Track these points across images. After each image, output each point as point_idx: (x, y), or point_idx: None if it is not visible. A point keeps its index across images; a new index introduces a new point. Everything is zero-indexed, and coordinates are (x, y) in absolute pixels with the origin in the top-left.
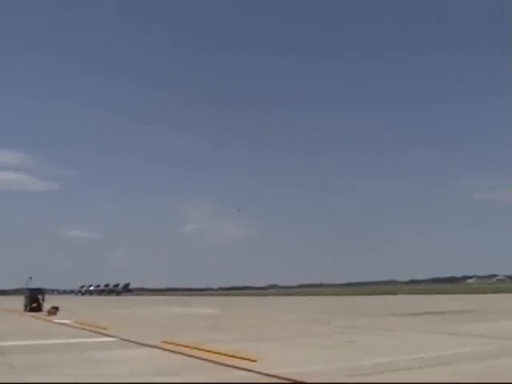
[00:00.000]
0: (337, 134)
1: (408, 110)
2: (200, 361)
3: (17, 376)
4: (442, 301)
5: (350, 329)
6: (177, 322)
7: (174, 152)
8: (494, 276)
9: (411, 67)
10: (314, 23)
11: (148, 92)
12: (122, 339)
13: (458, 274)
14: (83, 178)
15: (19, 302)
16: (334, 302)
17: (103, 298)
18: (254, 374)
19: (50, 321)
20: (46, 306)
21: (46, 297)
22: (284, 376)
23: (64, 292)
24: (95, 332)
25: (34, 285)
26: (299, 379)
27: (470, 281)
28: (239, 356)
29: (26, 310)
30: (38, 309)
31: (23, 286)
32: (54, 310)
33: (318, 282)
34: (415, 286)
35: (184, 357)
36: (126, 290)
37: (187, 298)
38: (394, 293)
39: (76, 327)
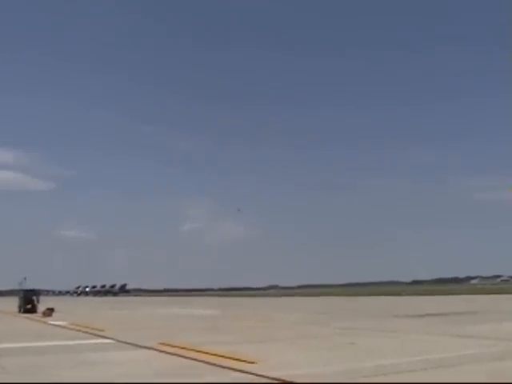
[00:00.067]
0: (337, 131)
1: (408, 107)
2: (197, 363)
3: (10, 378)
4: (446, 302)
5: (351, 330)
6: (175, 324)
7: (173, 151)
8: (498, 276)
9: (411, 64)
10: (313, 19)
11: (147, 91)
12: (118, 341)
13: (462, 275)
14: (81, 178)
15: (13, 303)
16: (334, 303)
17: (99, 298)
18: (252, 376)
19: (44, 322)
20: (41, 307)
21: (41, 298)
22: (283, 378)
23: (59, 293)
24: (91, 334)
25: (29, 285)
26: (297, 381)
27: (473, 281)
28: (238, 358)
29: (20, 311)
30: (33, 310)
31: (17, 286)
32: (49, 312)
33: (318, 282)
34: (418, 287)
35: (181, 359)
36: (123, 290)
37: (186, 298)
38: (397, 294)
39: (72, 329)
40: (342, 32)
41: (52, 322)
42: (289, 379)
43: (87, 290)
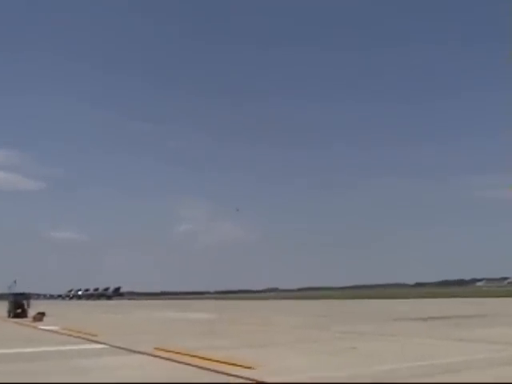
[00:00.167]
0: (337, 128)
1: (408, 104)
2: (194, 368)
3: None
4: (451, 305)
5: (351, 334)
6: (170, 328)
7: (169, 149)
8: (506, 279)
9: (412, 61)
10: (312, 14)
11: (141, 87)
12: (112, 346)
13: (467, 277)
14: (74, 178)
15: (2, 307)
16: (335, 306)
17: (92, 302)
18: (249, 382)
19: (35, 327)
20: (32, 311)
21: (32, 302)
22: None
23: (51, 297)
24: (84, 339)
25: (19, 289)
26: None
27: (479, 283)
28: (235, 363)
29: (9, 316)
30: (23, 315)
31: (7, 290)
32: (40, 316)
33: (319, 284)
34: (422, 289)
35: (177, 364)
36: (117, 294)
37: (182, 302)
38: (400, 296)
39: (63, 334)
40: (342, 29)
41: (43, 327)
42: None
43: (80, 293)
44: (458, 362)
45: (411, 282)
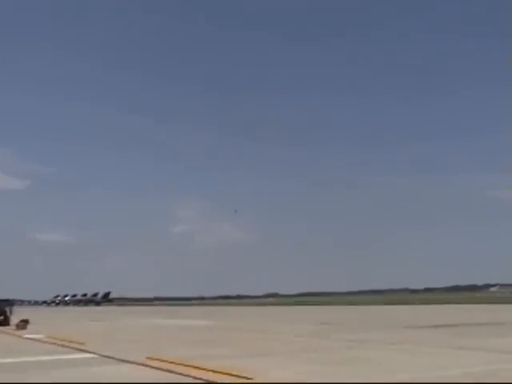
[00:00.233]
0: (337, 128)
1: (408, 104)
2: (189, 378)
3: None
4: (463, 311)
5: (357, 342)
6: (164, 336)
7: (164, 146)
8: None
9: (413, 58)
10: (311, 13)
11: (134, 81)
12: (101, 355)
13: (480, 282)
14: (60, 176)
15: None
16: (339, 313)
17: (80, 309)
18: None
19: (19, 336)
20: (15, 319)
21: (15, 309)
22: None
23: (36, 303)
24: (71, 348)
25: (1, 295)
26: None
27: (493, 289)
28: (231, 372)
29: None
30: (5, 322)
31: None
32: (24, 324)
33: (320, 289)
34: (431, 295)
35: (170, 374)
36: (107, 299)
37: (176, 308)
38: (408, 302)
39: (49, 342)
40: (341, 26)
41: (27, 336)
42: None
43: (67, 299)
44: (472, 373)
45: (419, 287)
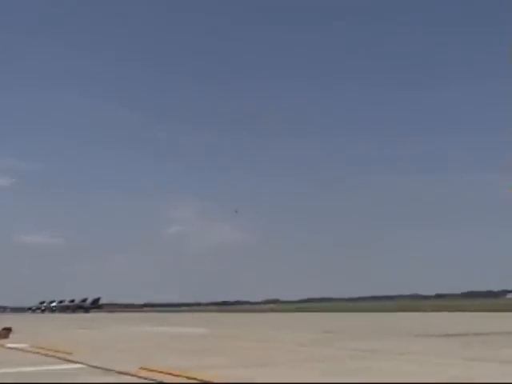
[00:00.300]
0: (337, 127)
1: (407, 102)
2: None
3: None
4: (478, 319)
5: (363, 352)
6: (157, 344)
7: (160, 143)
8: None
9: (414, 55)
10: (310, 4)
11: (127, 72)
12: (90, 366)
13: (496, 288)
14: (47, 173)
15: None
16: (343, 320)
17: (67, 316)
18: None
19: (1, 345)
20: None
21: None
22: None
23: (19, 309)
24: (57, 357)
25: None
26: None
27: (510, 295)
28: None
29: None
30: None
31: None
32: (6, 332)
33: (323, 295)
34: (443, 301)
35: None
36: (96, 306)
37: (170, 314)
38: (418, 309)
39: (33, 352)
40: (341, 24)
41: (9, 345)
42: None
43: (53, 305)
44: None
45: (430, 292)
